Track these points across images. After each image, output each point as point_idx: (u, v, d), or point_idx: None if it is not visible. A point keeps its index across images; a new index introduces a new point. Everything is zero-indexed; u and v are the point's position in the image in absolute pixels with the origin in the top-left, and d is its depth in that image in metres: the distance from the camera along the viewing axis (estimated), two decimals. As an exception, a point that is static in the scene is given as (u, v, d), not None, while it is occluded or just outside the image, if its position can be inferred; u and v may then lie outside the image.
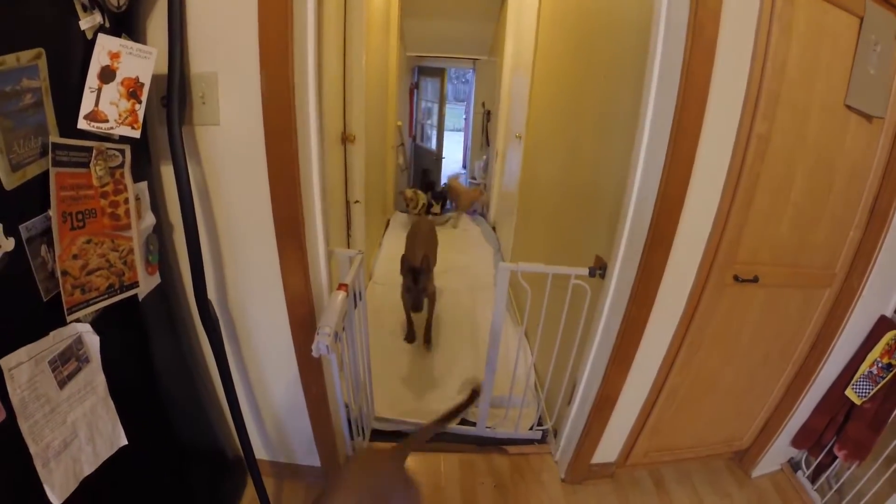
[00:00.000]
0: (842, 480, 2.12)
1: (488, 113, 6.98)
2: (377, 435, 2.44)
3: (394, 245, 4.93)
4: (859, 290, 1.89)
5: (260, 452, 2.07)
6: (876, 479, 1.97)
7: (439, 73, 8.13)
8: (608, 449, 2.19)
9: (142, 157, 1.32)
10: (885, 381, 1.91)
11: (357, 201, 3.37)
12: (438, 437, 2.37)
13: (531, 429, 2.46)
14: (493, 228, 5.58)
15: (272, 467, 2.15)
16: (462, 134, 10.79)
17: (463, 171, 8.63)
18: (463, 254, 4.90)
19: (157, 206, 1.44)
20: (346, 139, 3.12)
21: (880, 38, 1.54)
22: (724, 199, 1.61)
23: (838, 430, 2.12)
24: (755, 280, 1.76)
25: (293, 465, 2.15)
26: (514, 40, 4.66)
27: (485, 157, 7.08)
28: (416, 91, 8.11)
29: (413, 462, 2.29)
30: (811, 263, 1.84)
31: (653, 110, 1.56)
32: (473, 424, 2.47)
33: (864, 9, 1.50)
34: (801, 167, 1.64)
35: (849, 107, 1.60)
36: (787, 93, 1.50)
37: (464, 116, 10.70)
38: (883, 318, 1.98)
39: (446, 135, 8.86)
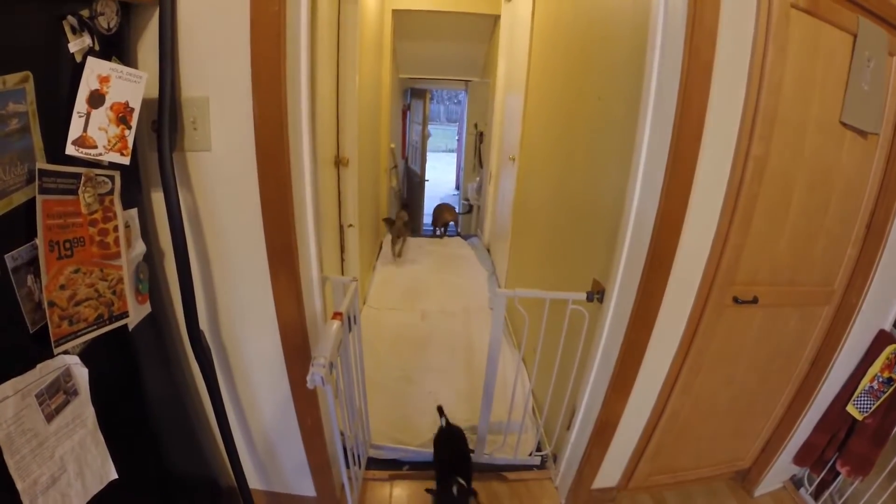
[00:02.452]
0: (845, 496, 2.11)
1: (481, 134, 7.01)
2: (373, 463, 2.39)
3: (387, 269, 4.93)
4: (858, 306, 1.89)
5: (254, 482, 2.01)
6: (879, 494, 1.97)
7: (422, 94, 8.18)
8: (609, 473, 2.16)
9: (132, 183, 1.30)
10: (885, 395, 1.91)
11: (351, 225, 3.35)
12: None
13: (530, 454, 2.42)
14: (488, 250, 5.57)
15: (266, 497, 2.10)
16: (455, 155, 10.85)
17: (456, 192, 8.66)
18: (457, 276, 4.89)
19: (148, 233, 1.42)
20: (339, 162, 3.10)
21: (873, 54, 1.55)
22: (722, 221, 1.61)
23: (840, 446, 2.11)
24: (755, 301, 1.75)
25: (288, 495, 2.10)
26: (506, 62, 4.70)
27: (478, 178, 7.08)
28: (408, 113, 8.14)
29: (411, 489, 2.26)
30: (809, 281, 1.83)
31: (650, 133, 1.55)
32: (472, 451, 2.42)
33: (858, 26, 1.51)
34: (798, 186, 1.64)
35: (844, 124, 1.60)
36: (783, 112, 1.50)
37: (456, 137, 10.76)
38: (882, 333, 1.98)
39: (439, 156, 8.88)
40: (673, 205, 1.53)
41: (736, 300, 1.74)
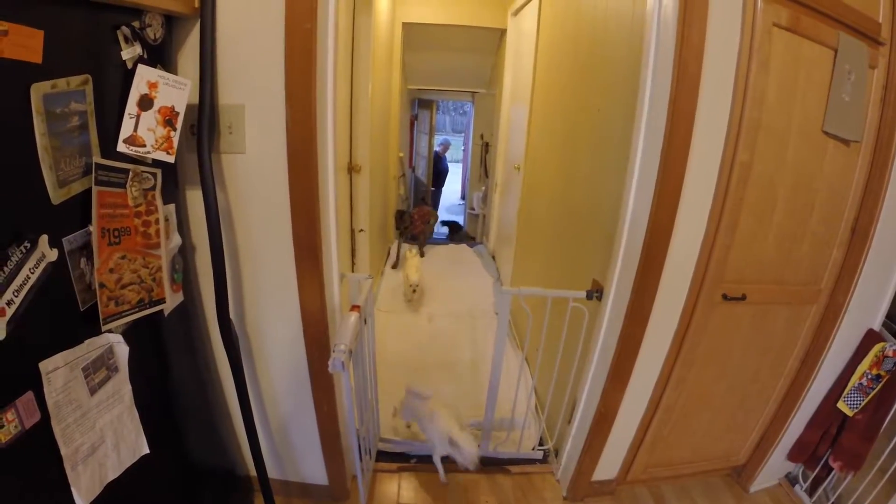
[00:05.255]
0: (839, 491, 2.16)
1: (486, 145, 7.10)
2: (382, 456, 2.48)
3: (395, 275, 5.03)
4: (845, 306, 1.97)
5: (269, 470, 2.10)
6: (871, 489, 2.02)
7: (429, 104, 8.31)
8: (608, 466, 2.23)
9: (170, 181, 1.42)
10: (874, 391, 1.97)
11: (362, 230, 3.46)
12: (442, 458, 2.43)
13: (533, 449, 2.51)
14: (493, 257, 5.67)
15: (280, 485, 2.17)
16: (460, 165, 10.94)
17: (462, 202, 8.78)
18: (463, 282, 4.98)
19: (182, 228, 1.53)
20: (352, 169, 3.22)
21: (854, 67, 1.65)
22: (710, 222, 1.71)
23: (832, 442, 2.17)
24: (743, 298, 1.84)
25: (300, 484, 2.18)
26: (512, 74, 4.80)
27: (483, 188, 7.18)
28: (416, 123, 8.25)
29: (418, 481, 2.35)
30: (796, 281, 1.92)
31: (643, 141, 1.66)
32: (477, 446, 2.51)
33: (838, 41, 1.62)
34: (783, 191, 1.74)
35: (826, 133, 1.70)
36: (767, 122, 1.62)
37: (462, 148, 10.85)
38: (871, 332, 2.05)
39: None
40: (664, 207, 1.64)
41: (725, 297, 1.83)
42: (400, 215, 4.72)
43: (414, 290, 4.16)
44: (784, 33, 1.55)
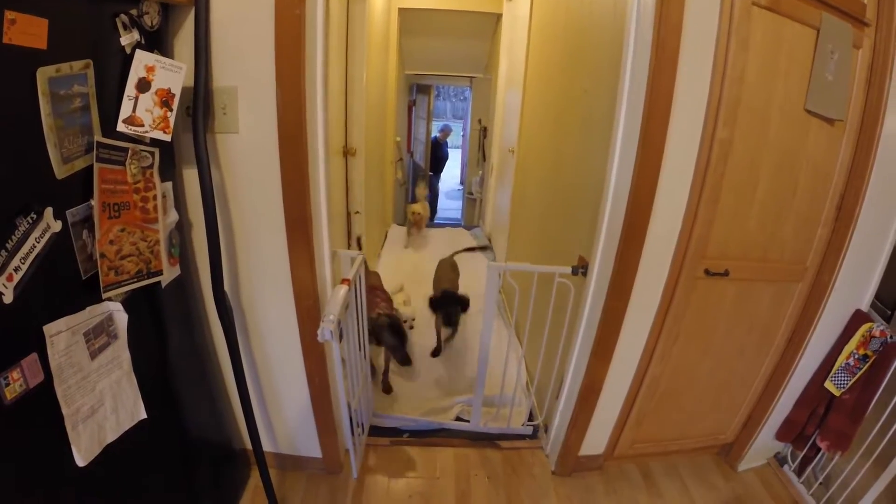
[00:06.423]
0: (826, 471, 2.19)
1: (484, 129, 7.12)
2: (375, 430, 2.54)
3: (392, 257, 5.09)
4: (831, 285, 2.00)
5: (264, 443, 2.15)
6: (858, 470, 2.04)
7: (427, 90, 8.32)
8: (595, 441, 2.29)
9: (167, 160, 1.47)
10: (862, 371, 1.99)
11: (357, 212, 3.51)
12: (434, 433, 2.50)
13: (522, 424, 2.57)
14: (489, 240, 5.71)
15: (274, 458, 2.25)
16: (459, 150, 10.95)
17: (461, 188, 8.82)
18: (460, 264, 5.01)
19: (179, 205, 1.59)
20: (347, 152, 3.26)
21: (837, 46, 1.68)
22: (691, 198, 1.75)
23: (820, 422, 2.19)
24: (726, 274, 1.89)
25: (294, 457, 2.25)
26: (507, 59, 4.83)
27: (481, 172, 7.21)
28: (414, 108, 8.25)
29: (411, 454, 2.41)
30: (781, 259, 1.96)
31: (624, 117, 1.70)
32: (467, 421, 2.58)
33: (820, 20, 1.64)
34: (765, 168, 1.78)
35: (809, 111, 1.73)
36: (746, 100, 1.65)
37: (462, 133, 10.86)
38: (858, 312, 2.08)
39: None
40: (644, 181, 1.68)
41: (707, 272, 1.87)
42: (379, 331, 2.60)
43: (411, 328, 3.39)
44: (764, 13, 1.58)
